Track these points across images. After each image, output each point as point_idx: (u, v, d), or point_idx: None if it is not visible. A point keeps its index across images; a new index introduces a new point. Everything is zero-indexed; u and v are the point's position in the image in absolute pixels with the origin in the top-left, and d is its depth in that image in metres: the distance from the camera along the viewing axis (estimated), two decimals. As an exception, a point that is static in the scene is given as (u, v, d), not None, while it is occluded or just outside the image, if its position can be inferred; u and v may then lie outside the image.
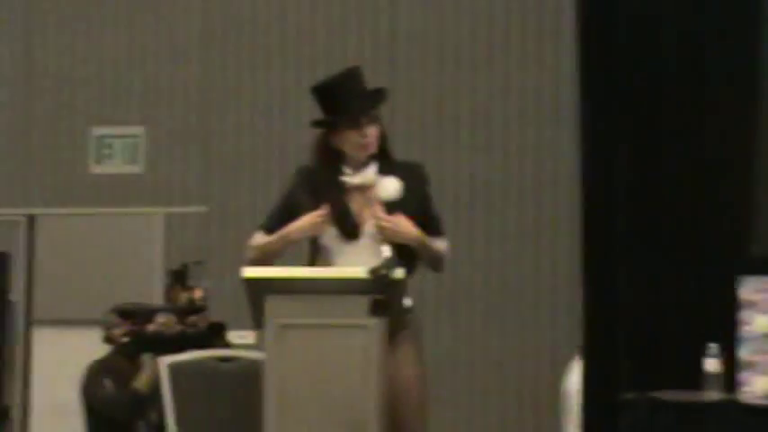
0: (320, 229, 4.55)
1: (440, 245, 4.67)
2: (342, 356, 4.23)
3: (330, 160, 4.66)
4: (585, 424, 7.35)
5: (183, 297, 6.11)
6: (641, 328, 7.37)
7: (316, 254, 4.62)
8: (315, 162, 4.70)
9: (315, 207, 4.58)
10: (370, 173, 4.65)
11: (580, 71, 7.67)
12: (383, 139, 4.72)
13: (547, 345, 7.76)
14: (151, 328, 5.80)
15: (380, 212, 4.52)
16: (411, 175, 4.66)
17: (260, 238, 4.61)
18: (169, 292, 6.19)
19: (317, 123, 4.70)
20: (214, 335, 5.82)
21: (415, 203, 4.61)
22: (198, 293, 6.13)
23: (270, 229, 4.61)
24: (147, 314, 5.88)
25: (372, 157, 4.68)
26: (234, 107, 8.26)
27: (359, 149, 4.63)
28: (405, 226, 4.52)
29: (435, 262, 4.68)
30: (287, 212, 4.62)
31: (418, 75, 8.06)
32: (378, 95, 4.70)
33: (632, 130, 7.53)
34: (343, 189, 4.63)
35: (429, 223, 4.66)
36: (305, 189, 4.64)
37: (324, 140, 4.68)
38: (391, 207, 4.56)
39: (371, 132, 4.65)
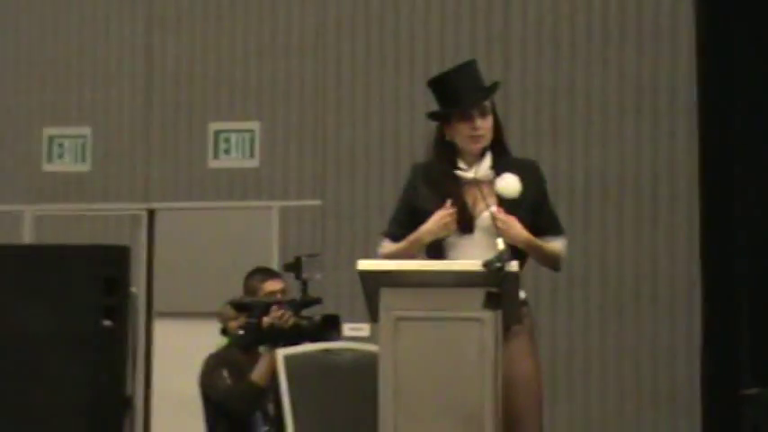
0: (450, 229, 4.51)
1: (556, 244, 4.61)
2: (456, 349, 4.20)
3: (445, 154, 4.64)
4: (707, 419, 7.21)
5: (264, 289, 6.08)
6: (762, 324, 7.21)
7: (431, 247, 4.58)
8: (431, 156, 4.67)
9: (433, 201, 4.54)
10: (485, 167, 4.60)
11: (698, 65, 7.54)
12: (499, 132, 4.66)
13: (665, 340, 7.63)
14: (266, 320, 5.79)
15: (496, 208, 4.46)
16: (527, 172, 4.61)
17: (389, 247, 4.61)
18: (247, 285, 6.16)
19: (431, 115, 4.67)
20: (328, 327, 5.78)
21: (529, 202, 4.56)
22: (277, 285, 6.10)
23: (396, 236, 4.60)
24: (263, 307, 5.86)
25: (488, 150, 4.63)
26: (348, 102, 8.25)
27: (470, 141, 4.60)
28: (515, 228, 4.46)
29: (550, 262, 4.62)
30: (408, 214, 4.61)
31: (532, 69, 7.98)
32: (489, 87, 4.64)
33: (752, 124, 7.38)
34: (459, 183, 4.58)
35: (546, 223, 4.61)
36: (421, 185, 4.61)
37: (440, 134, 4.66)
38: (506, 204, 4.51)
39: (483, 125, 4.61)
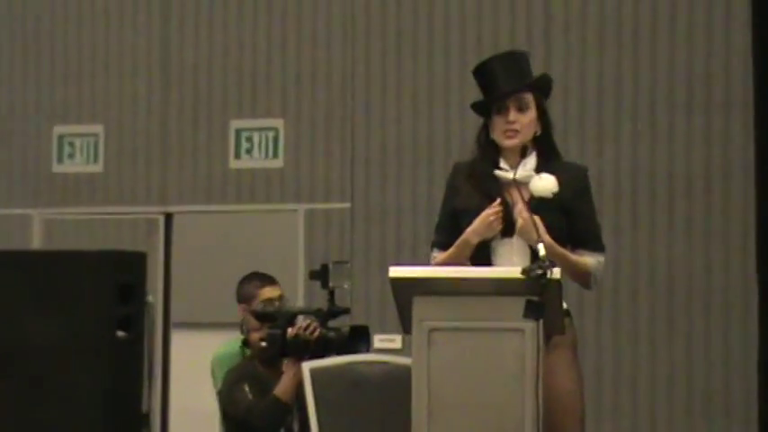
0: (495, 228, 4.48)
1: (587, 259, 4.54)
2: (494, 362, 4.17)
3: (488, 152, 4.59)
4: (764, 428, 7.17)
5: (260, 296, 6.07)
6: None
7: (476, 250, 4.54)
8: (474, 154, 4.64)
9: (475, 200, 4.51)
10: (527, 168, 4.55)
11: (754, 58, 7.48)
12: (547, 132, 4.60)
13: (718, 349, 7.58)
14: (291, 331, 5.76)
15: (524, 205, 4.43)
16: (570, 176, 4.55)
17: (440, 257, 4.61)
18: (242, 292, 6.15)
19: (473, 107, 4.64)
20: (357, 339, 5.76)
21: (564, 206, 4.50)
22: (276, 293, 6.08)
23: (443, 243, 4.60)
24: (288, 317, 5.85)
25: (532, 151, 4.57)
26: (378, 98, 8.23)
27: (503, 137, 4.54)
28: (538, 228, 4.40)
29: (578, 276, 4.56)
30: (451, 218, 4.59)
31: (576, 61, 7.94)
32: (528, 78, 4.58)
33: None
34: (499, 183, 4.54)
35: (585, 235, 4.56)
36: (463, 183, 4.58)
37: (483, 130, 4.63)
38: (538, 204, 4.47)
39: (519, 119, 4.54)
